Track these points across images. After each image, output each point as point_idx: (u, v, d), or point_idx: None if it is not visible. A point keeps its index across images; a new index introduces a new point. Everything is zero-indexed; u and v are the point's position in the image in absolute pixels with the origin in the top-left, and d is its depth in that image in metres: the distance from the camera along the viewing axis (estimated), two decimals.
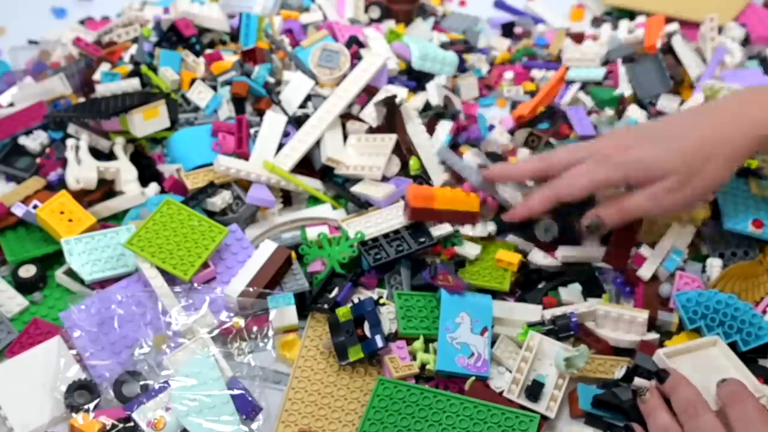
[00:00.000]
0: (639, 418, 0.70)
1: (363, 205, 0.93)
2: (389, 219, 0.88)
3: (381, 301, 0.81)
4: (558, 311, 0.80)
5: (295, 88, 1.03)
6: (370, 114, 0.99)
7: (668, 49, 1.10)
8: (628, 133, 0.84)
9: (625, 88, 1.07)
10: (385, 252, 0.85)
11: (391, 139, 0.94)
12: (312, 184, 0.95)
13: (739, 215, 0.85)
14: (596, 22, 1.27)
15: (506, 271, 0.84)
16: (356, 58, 1.05)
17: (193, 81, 1.05)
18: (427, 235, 0.85)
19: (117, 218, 0.93)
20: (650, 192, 0.78)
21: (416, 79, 1.08)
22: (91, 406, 0.73)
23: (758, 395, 0.70)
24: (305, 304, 0.82)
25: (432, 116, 1.02)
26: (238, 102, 1.02)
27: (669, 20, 1.18)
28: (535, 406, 0.73)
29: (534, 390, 0.73)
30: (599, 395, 0.73)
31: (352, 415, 0.74)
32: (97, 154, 0.97)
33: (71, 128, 0.98)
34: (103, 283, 0.84)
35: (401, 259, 0.85)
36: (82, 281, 0.85)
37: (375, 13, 1.24)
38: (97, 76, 1.08)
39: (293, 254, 0.86)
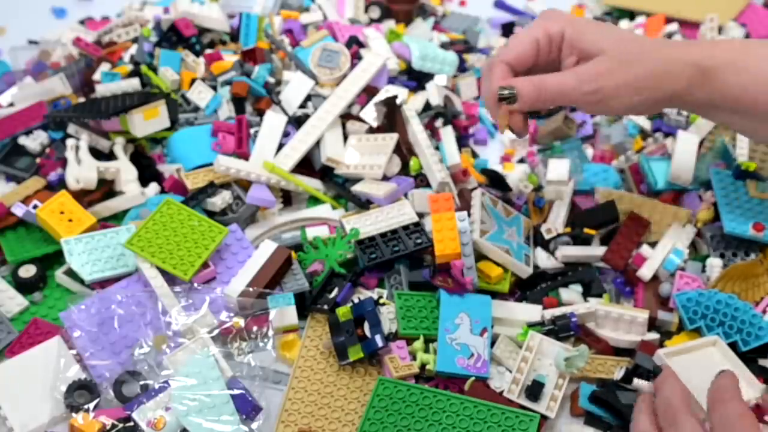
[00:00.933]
0: None
1: (363, 204, 0.93)
2: (389, 218, 0.88)
3: (381, 301, 0.81)
4: (558, 311, 0.80)
5: (295, 88, 1.03)
6: (371, 114, 0.99)
7: None
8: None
9: None
10: (381, 252, 0.85)
11: (392, 138, 0.94)
12: (312, 184, 0.95)
13: (740, 219, 0.85)
14: None
15: (506, 272, 0.84)
16: (356, 58, 1.05)
17: (193, 81, 1.05)
18: (424, 236, 0.85)
19: (117, 218, 0.93)
20: (577, 70, 0.75)
21: (416, 79, 1.08)
22: (91, 406, 0.73)
23: (758, 395, 0.70)
24: (305, 304, 0.82)
25: (432, 116, 1.02)
26: (238, 102, 1.02)
27: (669, 20, 1.18)
28: (535, 406, 0.73)
29: (534, 390, 0.73)
30: (597, 391, 0.73)
31: (352, 415, 0.74)
32: (97, 154, 0.97)
33: (71, 128, 0.98)
34: (103, 283, 0.84)
35: (400, 259, 0.85)
36: (82, 281, 0.85)
37: (375, 13, 1.24)
38: (97, 76, 1.08)
39: (293, 254, 0.86)
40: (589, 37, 0.75)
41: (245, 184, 0.93)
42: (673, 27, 1.15)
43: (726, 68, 0.74)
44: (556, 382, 0.74)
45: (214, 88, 1.04)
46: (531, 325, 0.79)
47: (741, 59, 0.74)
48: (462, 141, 1.01)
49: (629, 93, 0.74)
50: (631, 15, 1.24)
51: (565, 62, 0.77)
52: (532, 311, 0.81)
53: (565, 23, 0.76)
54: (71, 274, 0.85)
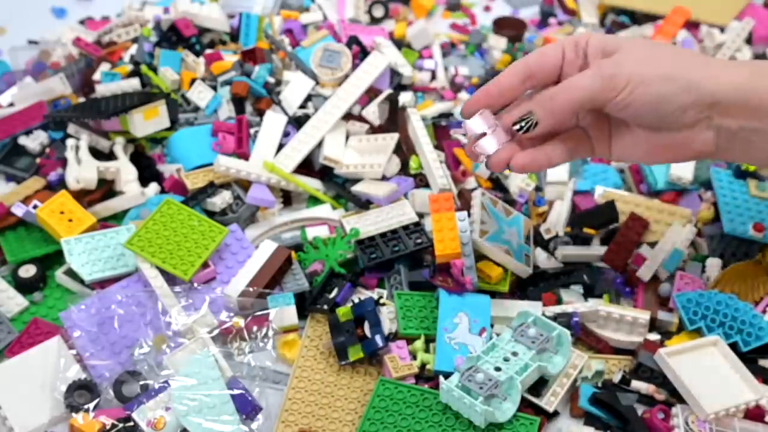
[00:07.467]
0: (635, 423, 0.70)
1: (363, 204, 0.93)
2: (389, 218, 0.88)
3: (381, 301, 0.81)
4: (559, 309, 0.80)
5: (295, 88, 1.03)
6: (373, 113, 0.99)
7: None
8: None
9: None
10: (381, 252, 0.85)
11: (392, 138, 0.94)
12: (312, 184, 0.95)
13: (740, 219, 0.85)
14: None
15: (506, 272, 0.84)
16: (357, 58, 1.05)
17: (193, 81, 1.05)
18: (424, 236, 0.86)
19: (117, 218, 0.93)
20: (597, 62, 0.66)
21: None
22: (91, 406, 0.73)
23: (758, 396, 0.70)
24: (305, 304, 0.82)
25: (437, 117, 1.02)
26: (238, 102, 1.02)
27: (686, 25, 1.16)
28: (536, 400, 0.73)
29: (536, 385, 0.73)
30: (597, 393, 0.73)
31: (352, 415, 0.74)
32: (97, 154, 0.97)
33: (71, 128, 0.98)
34: (103, 283, 0.84)
35: (400, 259, 0.85)
36: (82, 281, 0.85)
37: (379, 11, 1.24)
38: (97, 76, 1.08)
39: (293, 254, 0.86)
40: (615, 40, 0.68)
41: (245, 184, 0.93)
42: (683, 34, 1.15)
43: None
44: (559, 379, 0.74)
45: (214, 88, 1.04)
46: None
47: None
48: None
49: (650, 82, 0.63)
50: (632, 15, 1.23)
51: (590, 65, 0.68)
52: (531, 308, 0.80)
53: (593, 34, 0.69)
54: (71, 274, 0.85)
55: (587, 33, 0.69)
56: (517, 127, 0.67)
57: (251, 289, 0.81)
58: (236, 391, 0.73)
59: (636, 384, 0.73)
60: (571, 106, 0.65)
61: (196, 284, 0.83)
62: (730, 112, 0.64)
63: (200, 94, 1.03)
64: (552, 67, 0.68)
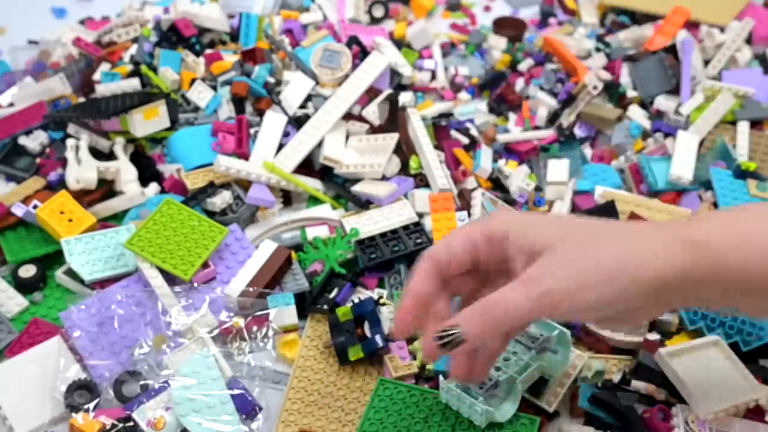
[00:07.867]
0: (635, 423, 0.70)
1: (363, 204, 0.93)
2: (389, 218, 0.88)
3: (381, 301, 0.81)
4: None
5: (295, 88, 1.03)
6: (373, 113, 0.99)
7: (669, 48, 1.10)
8: None
9: (627, 87, 1.07)
10: (381, 252, 0.85)
11: (392, 138, 0.94)
12: (312, 184, 0.95)
13: None
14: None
15: None
16: (357, 58, 1.05)
17: (193, 81, 1.05)
18: (424, 236, 0.86)
19: (117, 218, 0.93)
20: (521, 276, 0.57)
21: None
22: (91, 406, 0.73)
23: (758, 396, 0.70)
24: (305, 304, 0.82)
25: (437, 117, 1.03)
26: (238, 102, 1.02)
27: (686, 25, 1.16)
28: (535, 400, 0.73)
29: (537, 385, 0.73)
30: (596, 393, 0.73)
31: (352, 415, 0.74)
32: (97, 154, 0.97)
33: (71, 128, 0.98)
34: (103, 283, 0.84)
35: (400, 259, 0.85)
36: (82, 281, 0.85)
37: (379, 11, 1.24)
38: (97, 76, 1.08)
39: (293, 254, 0.86)
40: (535, 232, 0.59)
41: (245, 184, 0.93)
42: (683, 34, 1.15)
43: (723, 244, 0.58)
44: (559, 379, 0.74)
45: (214, 88, 1.04)
46: None
47: (735, 233, 0.59)
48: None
49: (588, 288, 0.56)
50: (632, 15, 1.23)
51: (515, 269, 0.60)
52: None
53: (509, 221, 0.61)
54: (71, 274, 0.85)
55: (499, 221, 0.61)
56: (443, 342, 0.58)
57: (251, 289, 0.81)
58: (236, 391, 0.73)
59: (636, 384, 0.73)
60: (501, 329, 0.58)
61: (196, 284, 0.83)
62: (673, 292, 0.58)
63: (200, 94, 1.03)
64: (463, 260, 0.62)
